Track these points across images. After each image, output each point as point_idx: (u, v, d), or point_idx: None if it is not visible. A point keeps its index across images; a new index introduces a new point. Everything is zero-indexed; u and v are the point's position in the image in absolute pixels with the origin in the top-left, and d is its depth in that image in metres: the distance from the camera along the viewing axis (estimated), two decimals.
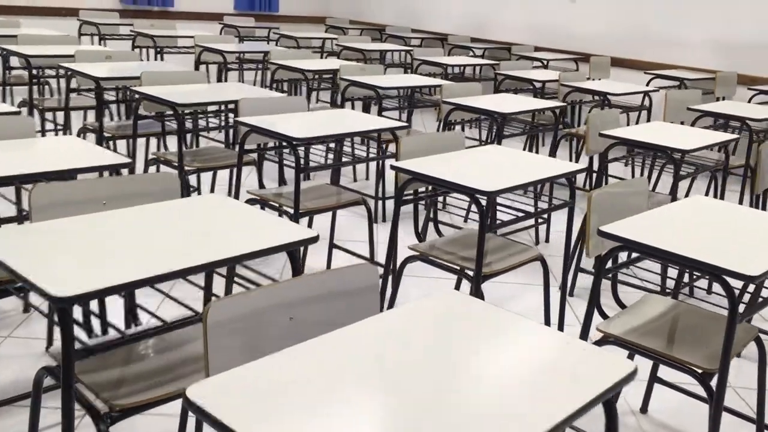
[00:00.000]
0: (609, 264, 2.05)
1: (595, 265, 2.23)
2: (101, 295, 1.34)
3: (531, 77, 5.25)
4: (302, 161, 3.09)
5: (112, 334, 1.76)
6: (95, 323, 2.11)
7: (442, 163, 2.53)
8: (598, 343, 2.09)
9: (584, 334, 2.12)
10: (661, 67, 6.51)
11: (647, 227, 1.97)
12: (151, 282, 1.41)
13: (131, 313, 2.03)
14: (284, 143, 3.01)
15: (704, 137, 3.35)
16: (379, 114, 4.28)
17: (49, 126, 5.01)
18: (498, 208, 3.52)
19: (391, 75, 4.82)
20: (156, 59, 6.24)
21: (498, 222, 2.41)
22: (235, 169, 4.22)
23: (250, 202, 3.08)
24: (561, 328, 2.98)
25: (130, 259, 1.48)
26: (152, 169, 3.62)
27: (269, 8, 9.10)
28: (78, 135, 4.09)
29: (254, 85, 5.90)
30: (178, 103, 3.20)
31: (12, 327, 2.80)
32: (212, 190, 4.14)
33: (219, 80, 6.05)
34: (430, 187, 2.78)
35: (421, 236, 2.78)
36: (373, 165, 5.27)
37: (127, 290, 1.36)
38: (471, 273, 2.49)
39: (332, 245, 3.63)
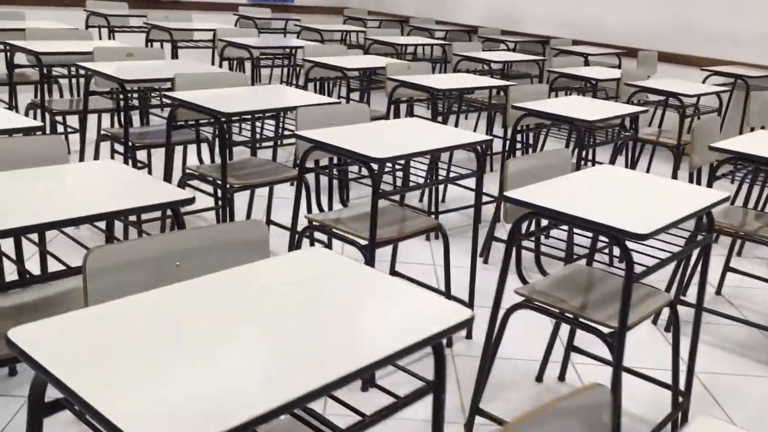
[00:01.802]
0: None
1: None
2: None
3: (586, 75, 4.79)
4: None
5: None
6: None
7: (559, 191, 2.08)
8: None
9: None
10: (713, 63, 6.06)
11: None
12: (283, 411, 0.96)
13: None
14: (351, 161, 2.55)
15: None
16: (434, 119, 3.82)
17: (59, 129, 4.54)
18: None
19: (439, 75, 4.36)
20: (172, 55, 5.75)
21: (645, 269, 1.95)
22: (285, 187, 3.76)
23: (307, 230, 2.63)
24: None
25: (233, 364, 1.03)
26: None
27: None
28: (97, 144, 3.63)
29: (280, 82, 5.44)
30: (223, 112, 2.74)
31: None
32: (250, 210, 3.67)
33: None
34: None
35: (523, 277, 2.33)
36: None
37: (254, 427, 0.91)
38: (584, 320, 2.06)
39: (394, 272, 3.18)
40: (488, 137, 2.69)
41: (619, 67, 6.78)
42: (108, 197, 1.68)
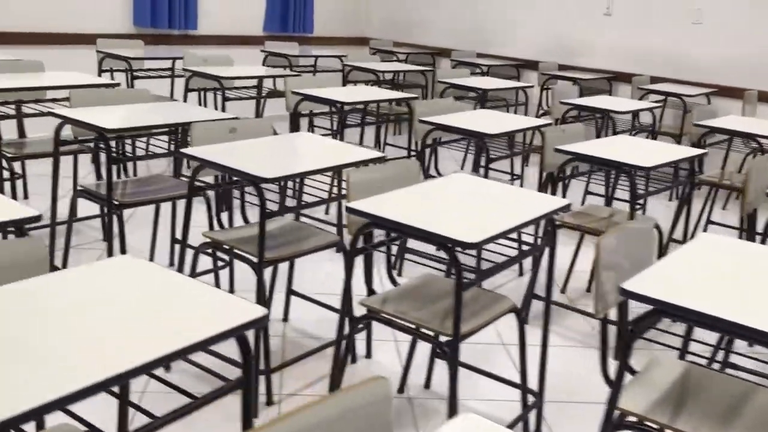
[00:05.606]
0: None
1: None
2: None
3: (741, 129, 3.98)
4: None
5: None
6: None
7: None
8: None
9: None
10: None
11: None
12: None
13: None
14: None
15: None
16: (607, 200, 2.95)
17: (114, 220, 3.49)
18: None
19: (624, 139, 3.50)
20: (216, 107, 4.75)
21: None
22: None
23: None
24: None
25: None
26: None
27: (303, 29, 7.63)
28: (197, 252, 2.64)
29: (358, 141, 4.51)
30: (470, 241, 1.81)
31: None
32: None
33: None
34: None
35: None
36: None
37: None
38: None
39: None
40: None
41: (709, 104, 6.05)
42: None
